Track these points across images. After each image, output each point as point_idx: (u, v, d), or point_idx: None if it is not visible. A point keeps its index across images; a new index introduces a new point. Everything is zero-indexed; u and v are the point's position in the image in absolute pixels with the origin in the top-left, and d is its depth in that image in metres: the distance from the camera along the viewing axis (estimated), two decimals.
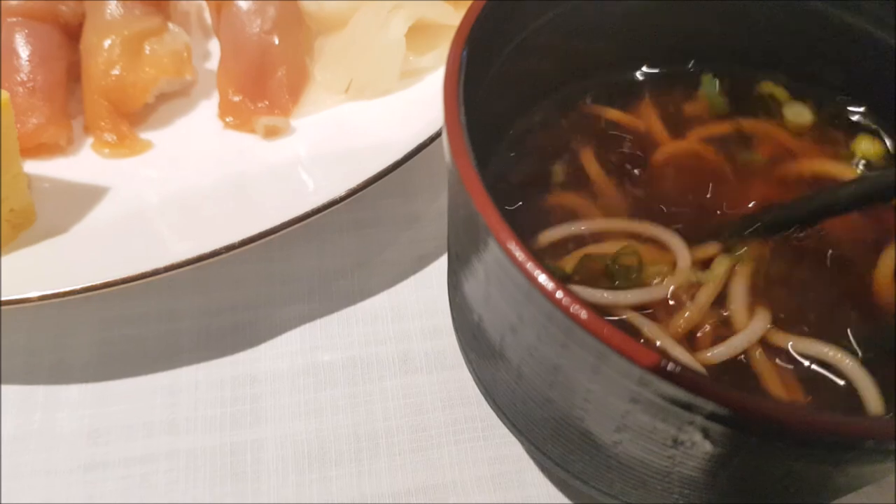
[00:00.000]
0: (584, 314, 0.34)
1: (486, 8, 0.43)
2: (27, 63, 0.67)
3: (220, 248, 0.60)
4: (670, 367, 0.33)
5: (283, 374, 0.61)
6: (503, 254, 0.36)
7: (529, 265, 0.35)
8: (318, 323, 0.64)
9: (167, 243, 0.62)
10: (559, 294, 0.34)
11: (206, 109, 0.73)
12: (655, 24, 0.55)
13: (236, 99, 0.70)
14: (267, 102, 0.69)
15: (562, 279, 0.38)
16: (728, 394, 0.32)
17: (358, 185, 0.64)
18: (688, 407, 0.34)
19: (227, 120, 0.70)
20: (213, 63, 0.77)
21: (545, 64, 0.52)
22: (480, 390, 0.52)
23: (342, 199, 0.63)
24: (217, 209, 0.64)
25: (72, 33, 0.71)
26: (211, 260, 0.60)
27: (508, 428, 0.51)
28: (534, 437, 0.49)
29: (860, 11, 0.53)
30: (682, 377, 0.33)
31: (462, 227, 0.43)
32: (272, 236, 0.61)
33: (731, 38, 0.57)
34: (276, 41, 0.70)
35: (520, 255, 0.35)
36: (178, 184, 0.67)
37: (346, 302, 0.65)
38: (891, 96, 0.55)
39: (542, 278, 0.35)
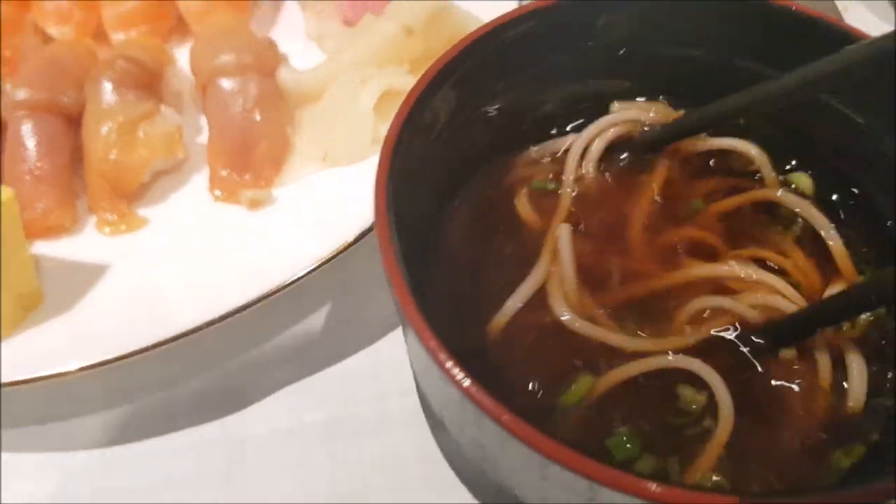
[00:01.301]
0: (487, 401, 0.38)
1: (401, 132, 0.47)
2: (34, 153, 0.74)
3: (203, 324, 0.65)
4: (568, 455, 0.36)
5: (269, 436, 0.66)
6: (417, 341, 0.40)
7: (442, 356, 0.39)
8: (302, 384, 0.68)
9: (163, 315, 0.67)
10: (467, 383, 0.38)
11: (199, 183, 0.78)
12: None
13: (224, 173, 0.75)
14: (250, 175, 0.74)
15: None
16: (615, 478, 0.36)
17: (337, 250, 0.68)
18: (589, 486, 0.37)
19: (216, 193, 0.75)
20: (206, 137, 0.82)
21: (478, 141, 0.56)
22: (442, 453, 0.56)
23: (324, 263, 0.68)
24: (207, 279, 0.69)
25: (74, 121, 0.77)
26: (203, 331, 0.65)
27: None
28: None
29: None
30: (577, 465, 0.36)
31: None
32: (256, 305, 0.66)
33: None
34: (258, 117, 0.76)
35: (433, 343, 0.39)
36: (172, 257, 0.72)
37: (328, 362, 0.69)
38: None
39: (450, 365, 0.38)
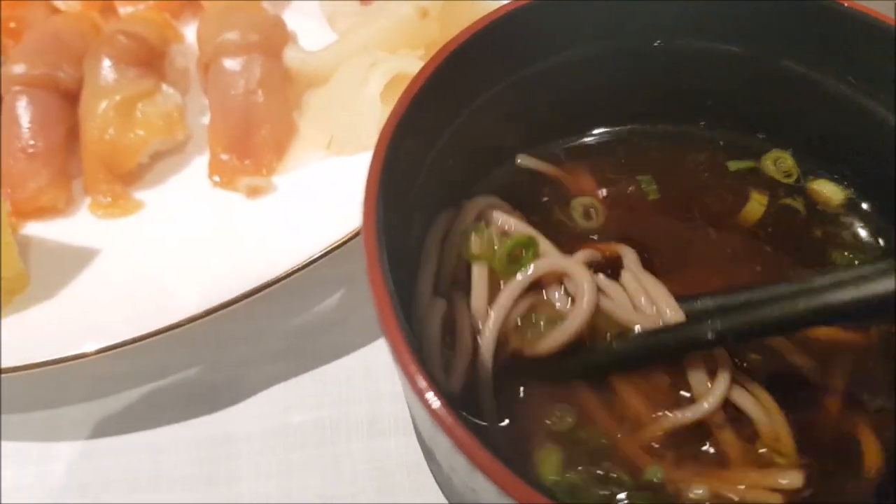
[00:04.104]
0: (452, 422, 0.34)
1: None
2: (27, 130, 0.71)
3: (200, 313, 0.62)
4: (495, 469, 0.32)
5: (257, 435, 0.63)
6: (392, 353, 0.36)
7: (414, 370, 0.35)
8: (293, 382, 0.65)
9: (153, 305, 0.64)
10: (431, 398, 0.35)
11: (200, 167, 0.75)
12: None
13: (225, 157, 0.72)
14: (250, 161, 0.71)
15: None
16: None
17: (336, 244, 0.65)
18: None
19: (215, 179, 0.72)
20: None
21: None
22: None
23: (320, 257, 0.64)
24: (200, 269, 0.66)
25: (72, 97, 0.74)
26: (192, 324, 0.62)
27: None
28: None
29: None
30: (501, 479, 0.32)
31: None
32: (250, 299, 0.63)
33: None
34: (261, 99, 0.72)
35: (407, 358, 0.36)
36: (167, 244, 0.69)
37: (322, 360, 0.66)
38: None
39: (423, 385, 0.35)
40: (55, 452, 0.64)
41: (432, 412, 0.33)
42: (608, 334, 0.46)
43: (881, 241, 0.52)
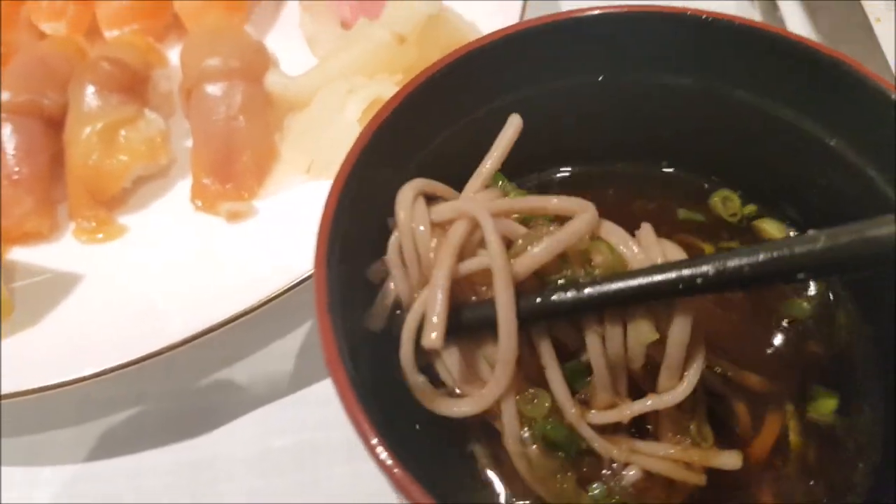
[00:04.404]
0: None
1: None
2: (12, 157, 0.72)
3: (183, 339, 0.63)
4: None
5: (239, 459, 0.63)
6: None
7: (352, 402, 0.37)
8: (275, 405, 0.66)
9: (136, 331, 0.65)
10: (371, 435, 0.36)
11: (182, 191, 0.76)
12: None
13: (207, 182, 0.73)
14: (232, 185, 0.72)
15: None
16: None
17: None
18: None
19: (197, 203, 0.73)
20: None
21: None
22: None
23: (301, 281, 0.65)
24: (183, 295, 0.67)
25: (56, 124, 0.75)
26: (174, 351, 0.63)
27: None
28: None
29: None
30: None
31: None
32: (231, 324, 0.64)
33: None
34: (242, 124, 0.73)
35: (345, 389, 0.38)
36: (150, 268, 0.70)
37: (303, 384, 0.67)
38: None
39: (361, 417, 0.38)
40: (38, 478, 0.64)
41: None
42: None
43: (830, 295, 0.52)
